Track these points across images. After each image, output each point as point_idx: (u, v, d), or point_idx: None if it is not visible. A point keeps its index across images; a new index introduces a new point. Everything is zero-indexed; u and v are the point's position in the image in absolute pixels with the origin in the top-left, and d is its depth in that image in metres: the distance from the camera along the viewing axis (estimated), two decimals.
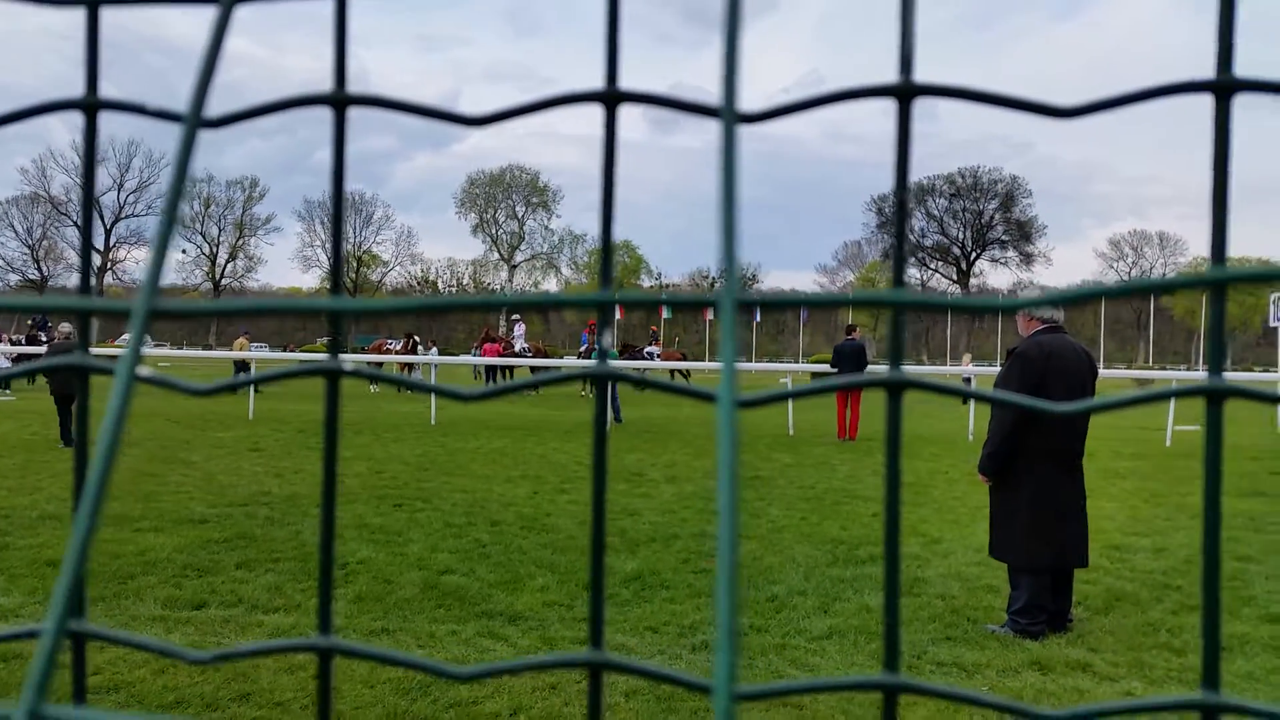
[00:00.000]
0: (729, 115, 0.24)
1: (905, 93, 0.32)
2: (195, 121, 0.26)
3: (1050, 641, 4.92)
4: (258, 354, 22.41)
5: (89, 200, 0.37)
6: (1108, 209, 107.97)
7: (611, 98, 0.32)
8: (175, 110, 0.34)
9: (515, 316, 31.07)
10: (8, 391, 23.17)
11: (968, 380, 26.55)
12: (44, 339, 21.18)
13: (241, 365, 24.67)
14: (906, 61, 0.32)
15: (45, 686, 0.22)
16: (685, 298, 0.28)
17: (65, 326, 16.99)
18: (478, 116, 0.35)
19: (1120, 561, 6.64)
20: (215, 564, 6.14)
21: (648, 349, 29.05)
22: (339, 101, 0.34)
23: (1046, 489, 4.99)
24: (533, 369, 25.58)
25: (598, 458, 0.33)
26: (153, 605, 5.25)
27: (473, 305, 0.32)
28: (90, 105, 0.35)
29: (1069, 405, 0.34)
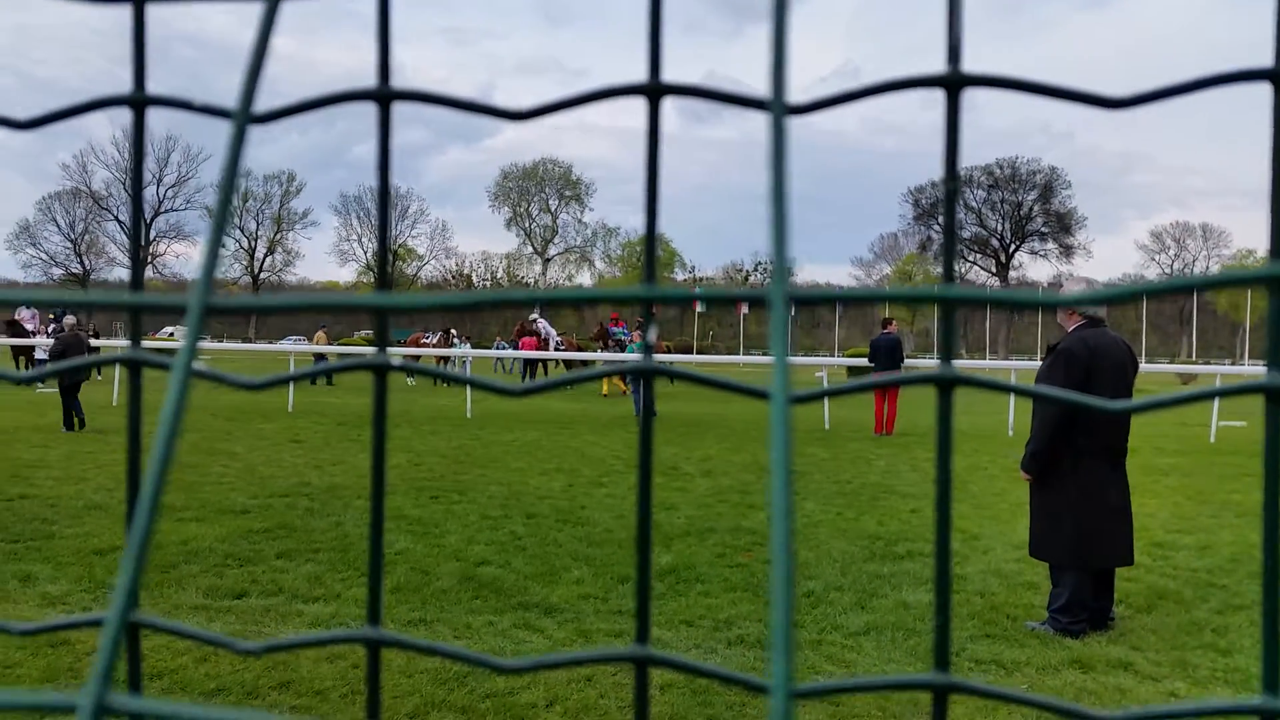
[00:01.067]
0: (778, 107, 0.24)
1: (954, 83, 0.31)
2: (244, 118, 0.26)
3: (1091, 640, 4.86)
4: (300, 347, 22.64)
5: (137, 195, 0.38)
6: (1149, 200, 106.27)
7: (655, 91, 0.32)
8: (222, 106, 0.34)
9: (534, 315, 31.09)
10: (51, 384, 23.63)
11: None
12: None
13: (320, 358, 25.31)
14: (954, 51, 0.31)
15: (109, 677, 0.22)
16: (732, 292, 0.28)
17: (70, 319, 17.43)
18: (520, 111, 0.35)
19: (1163, 559, 6.53)
20: (256, 554, 6.23)
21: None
22: (383, 97, 0.34)
23: (1092, 487, 4.92)
24: (569, 364, 25.61)
25: (643, 456, 0.33)
26: (195, 594, 5.34)
27: (513, 300, 0.32)
28: (138, 102, 0.35)
29: (1126, 403, 0.34)
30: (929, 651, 4.62)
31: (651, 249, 0.31)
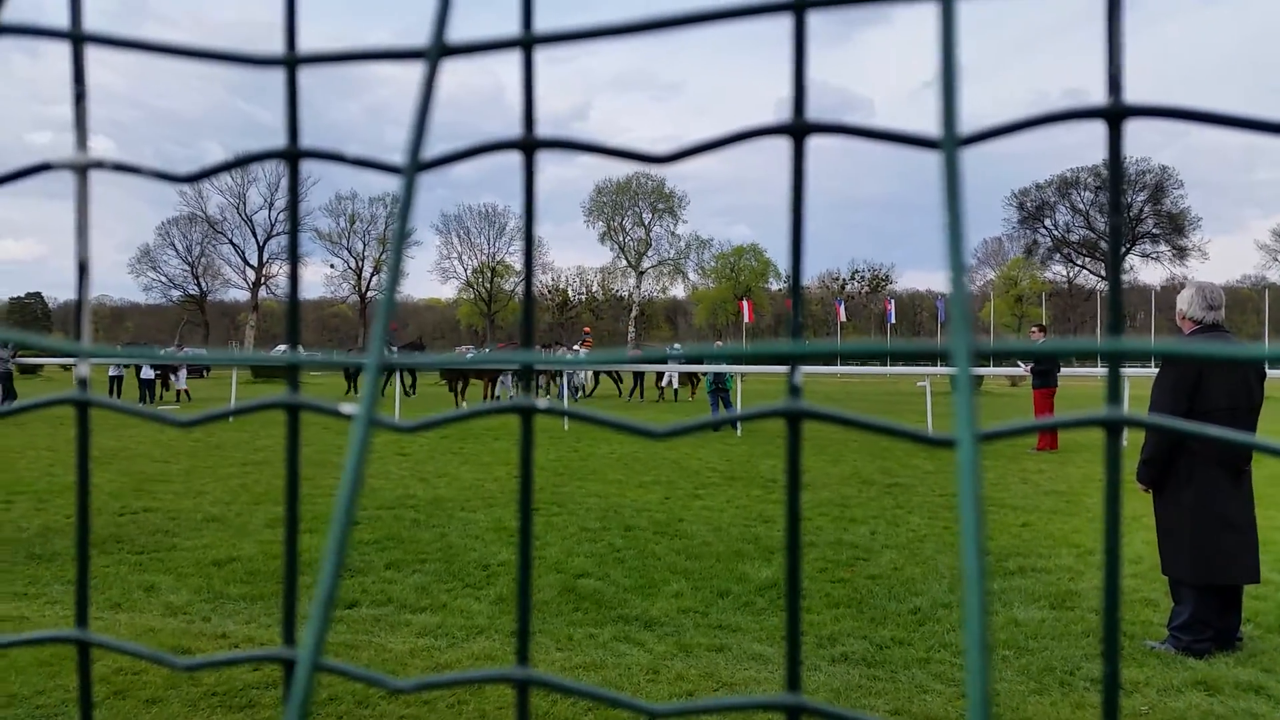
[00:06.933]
0: (950, 143, 0.23)
1: (1116, 114, 0.30)
2: (414, 170, 0.27)
3: (1217, 660, 4.62)
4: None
5: (294, 246, 0.39)
6: (1276, 197, 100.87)
7: (800, 130, 0.32)
8: (385, 160, 0.36)
9: (587, 333, 32.56)
10: (176, 405, 24.78)
11: None
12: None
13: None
14: (1115, 81, 0.30)
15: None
16: (918, 346, 0.27)
17: (3, 351, 19.28)
18: (662, 155, 0.35)
19: None
20: (366, 564, 6.40)
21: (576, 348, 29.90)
22: (528, 145, 0.35)
23: (1210, 498, 4.69)
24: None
25: (791, 504, 0.32)
26: (308, 604, 5.51)
27: (664, 360, 0.32)
28: (293, 155, 0.37)
29: (1238, 435, 0.32)
30: (1041, 670, 4.46)
31: (798, 297, 0.31)
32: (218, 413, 0.37)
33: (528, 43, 0.33)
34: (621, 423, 0.35)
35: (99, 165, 0.38)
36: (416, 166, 0.28)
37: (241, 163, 0.39)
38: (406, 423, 0.36)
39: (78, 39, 0.36)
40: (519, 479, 0.35)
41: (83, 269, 0.38)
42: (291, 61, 0.36)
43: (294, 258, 0.39)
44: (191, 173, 0.40)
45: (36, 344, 0.39)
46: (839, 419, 0.30)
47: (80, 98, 0.38)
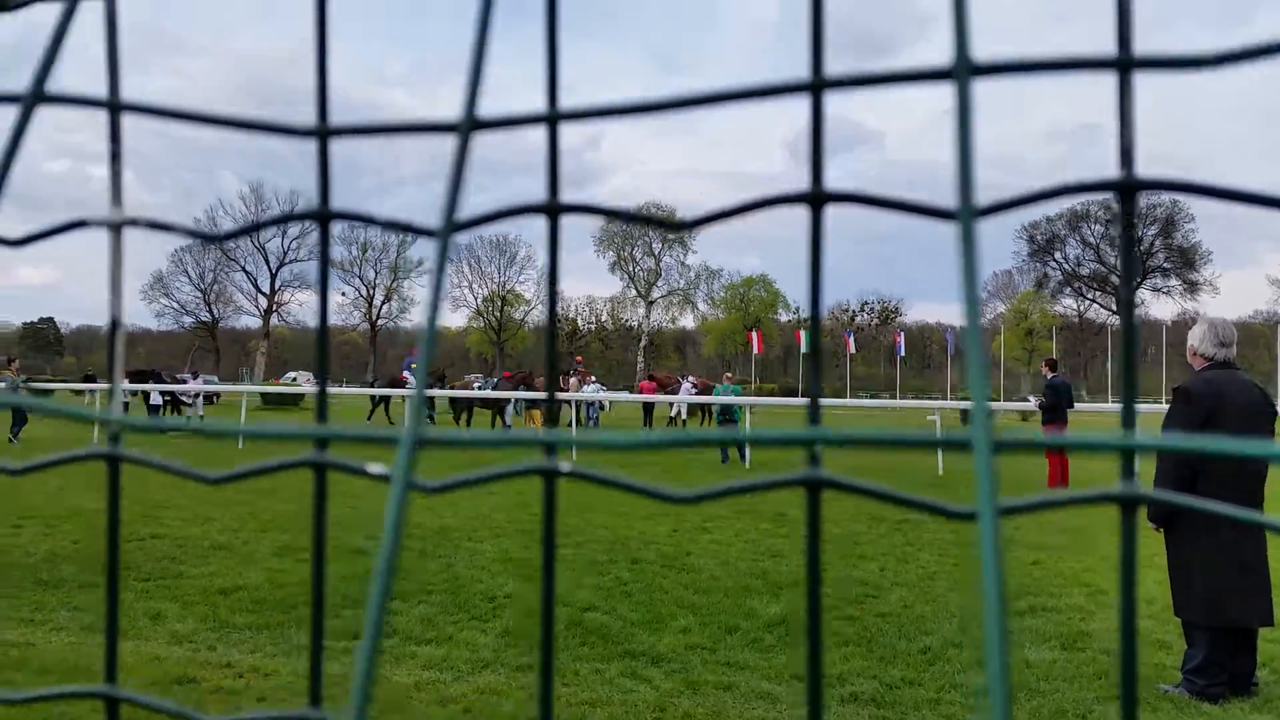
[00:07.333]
0: (966, 214, 0.24)
1: (1128, 188, 0.31)
2: (448, 231, 0.28)
3: (1232, 706, 4.56)
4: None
5: (323, 303, 0.40)
6: None
7: (818, 199, 0.33)
8: (411, 222, 0.37)
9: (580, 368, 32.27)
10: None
11: None
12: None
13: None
14: (1127, 154, 0.31)
15: None
16: (925, 438, 0.28)
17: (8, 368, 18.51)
18: (689, 221, 0.36)
19: None
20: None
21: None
22: (553, 210, 0.36)
23: (1224, 539, 4.66)
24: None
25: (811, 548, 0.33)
26: (303, 635, 5.48)
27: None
28: (323, 216, 0.38)
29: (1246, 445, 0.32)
30: (1053, 713, 4.41)
31: (818, 361, 0.32)
32: (247, 471, 0.38)
33: (553, 119, 0.34)
34: (644, 488, 0.36)
35: (133, 223, 0.39)
36: (451, 228, 0.29)
37: (276, 221, 0.40)
38: (431, 483, 0.37)
39: (114, 107, 0.37)
40: (542, 544, 0.36)
41: (115, 326, 0.39)
42: (324, 133, 0.37)
43: (323, 313, 0.40)
44: (227, 231, 0.41)
45: (70, 414, 0.40)
46: (860, 489, 0.31)
47: (115, 157, 0.39)
